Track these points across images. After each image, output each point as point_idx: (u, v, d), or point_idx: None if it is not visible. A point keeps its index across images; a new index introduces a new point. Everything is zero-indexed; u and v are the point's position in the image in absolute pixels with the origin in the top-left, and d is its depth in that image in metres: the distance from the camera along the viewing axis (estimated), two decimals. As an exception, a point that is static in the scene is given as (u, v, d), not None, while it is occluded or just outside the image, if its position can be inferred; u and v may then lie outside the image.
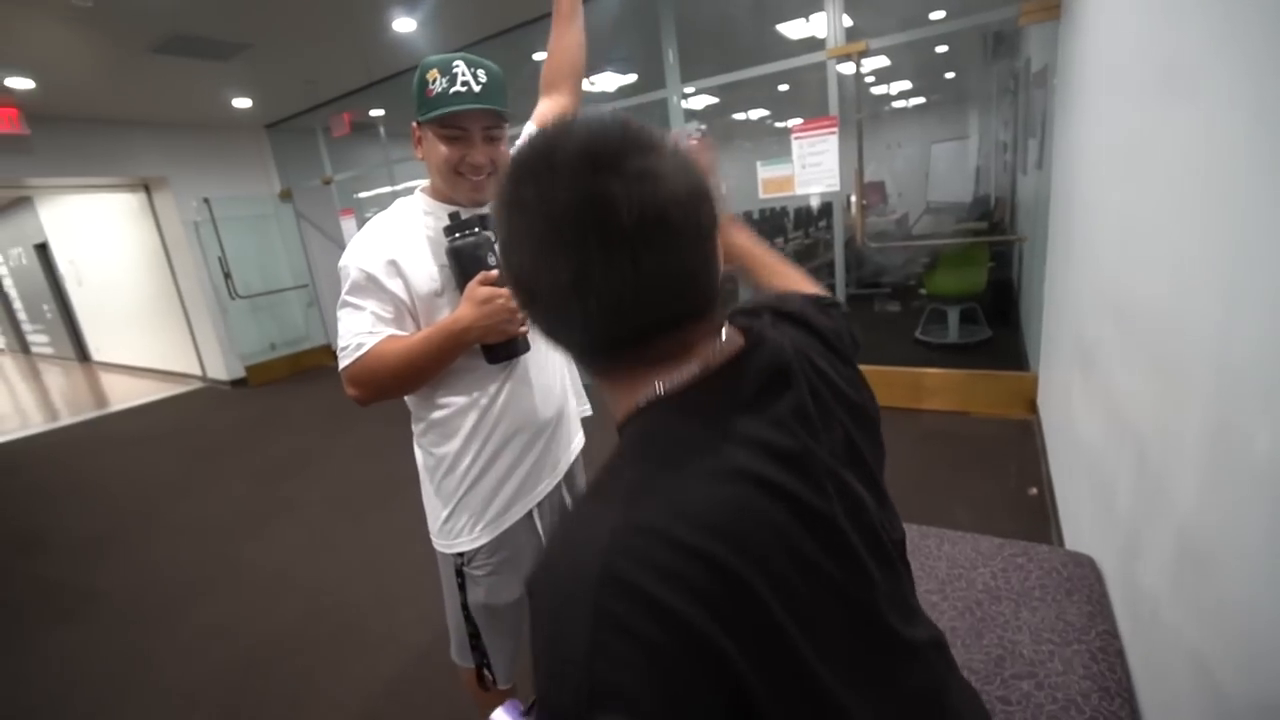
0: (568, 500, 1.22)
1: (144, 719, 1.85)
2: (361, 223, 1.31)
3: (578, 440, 1.25)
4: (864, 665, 0.46)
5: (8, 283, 10.87)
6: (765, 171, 3.43)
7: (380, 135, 5.51)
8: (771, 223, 7.25)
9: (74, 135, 4.92)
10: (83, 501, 3.67)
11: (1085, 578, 1.19)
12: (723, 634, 0.38)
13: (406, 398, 1.09)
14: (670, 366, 0.47)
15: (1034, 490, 2.34)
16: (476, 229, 0.99)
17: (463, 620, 1.16)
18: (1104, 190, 1.49)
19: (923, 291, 4.46)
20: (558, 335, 0.47)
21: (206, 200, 5.71)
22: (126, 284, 7.15)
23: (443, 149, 0.98)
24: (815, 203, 7.06)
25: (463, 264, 0.98)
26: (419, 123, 1.00)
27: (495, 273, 0.98)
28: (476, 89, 0.96)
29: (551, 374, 1.15)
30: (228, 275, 5.87)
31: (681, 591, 0.38)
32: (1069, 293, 2.07)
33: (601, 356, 0.48)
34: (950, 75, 8.09)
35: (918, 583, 1.25)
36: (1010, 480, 2.45)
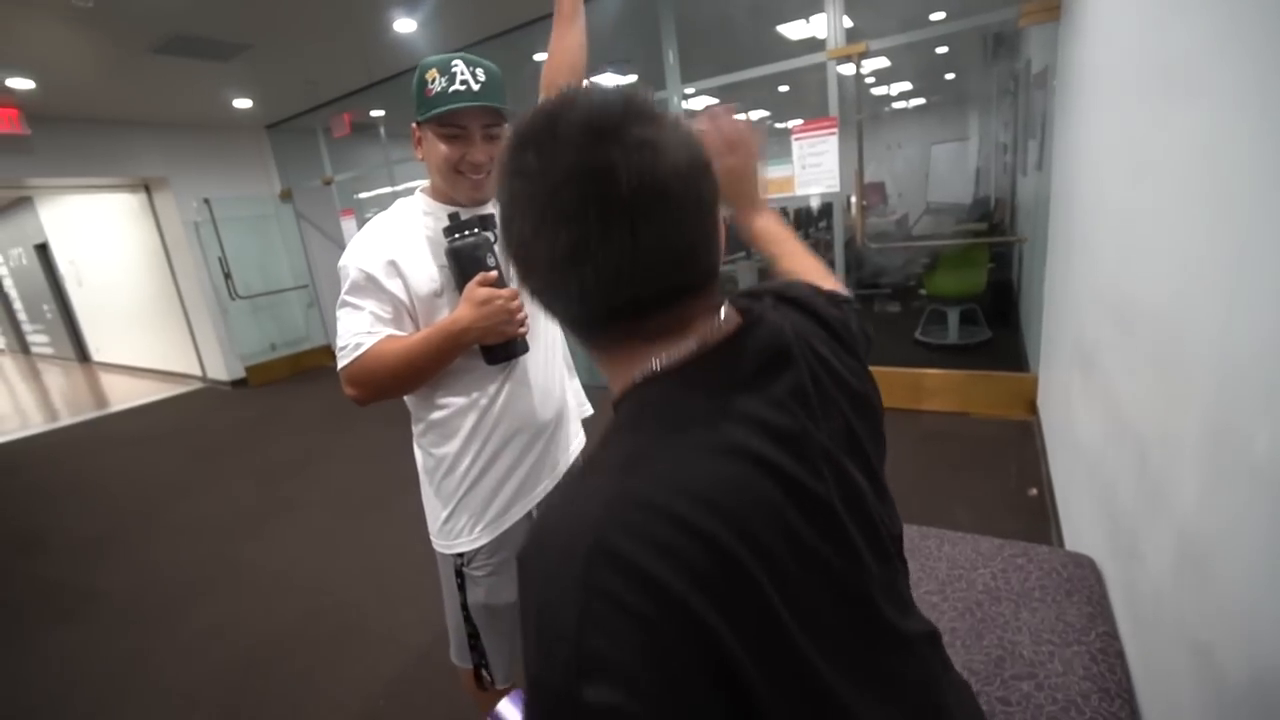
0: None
1: (144, 719, 1.85)
2: (362, 223, 1.31)
3: (578, 441, 1.25)
4: (857, 655, 0.46)
5: (8, 283, 10.87)
6: (765, 172, 3.43)
7: (381, 136, 5.51)
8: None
9: (74, 135, 4.92)
10: (83, 501, 3.67)
11: (1085, 578, 1.19)
12: (717, 615, 0.37)
13: (406, 398, 1.09)
14: (668, 342, 0.47)
15: (1034, 491, 2.34)
16: (476, 230, 0.99)
17: (462, 621, 1.16)
18: (1104, 191, 1.49)
19: (923, 292, 4.46)
20: (555, 307, 0.47)
21: (207, 200, 5.71)
22: (127, 284, 7.15)
23: (442, 148, 0.98)
24: (815, 203, 7.05)
25: (462, 265, 0.98)
26: (418, 123, 1.00)
27: (494, 274, 0.99)
28: (476, 87, 0.96)
29: (551, 375, 1.15)
30: (228, 275, 5.87)
31: (677, 568, 0.37)
32: (1069, 293, 2.07)
33: (599, 329, 0.48)
34: (950, 76, 8.09)
35: (918, 584, 1.25)
36: (1010, 481, 2.45)
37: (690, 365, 0.46)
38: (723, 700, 0.37)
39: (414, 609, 2.14)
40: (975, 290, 4.06)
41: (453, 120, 0.97)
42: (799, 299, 0.60)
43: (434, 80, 0.95)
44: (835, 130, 3.12)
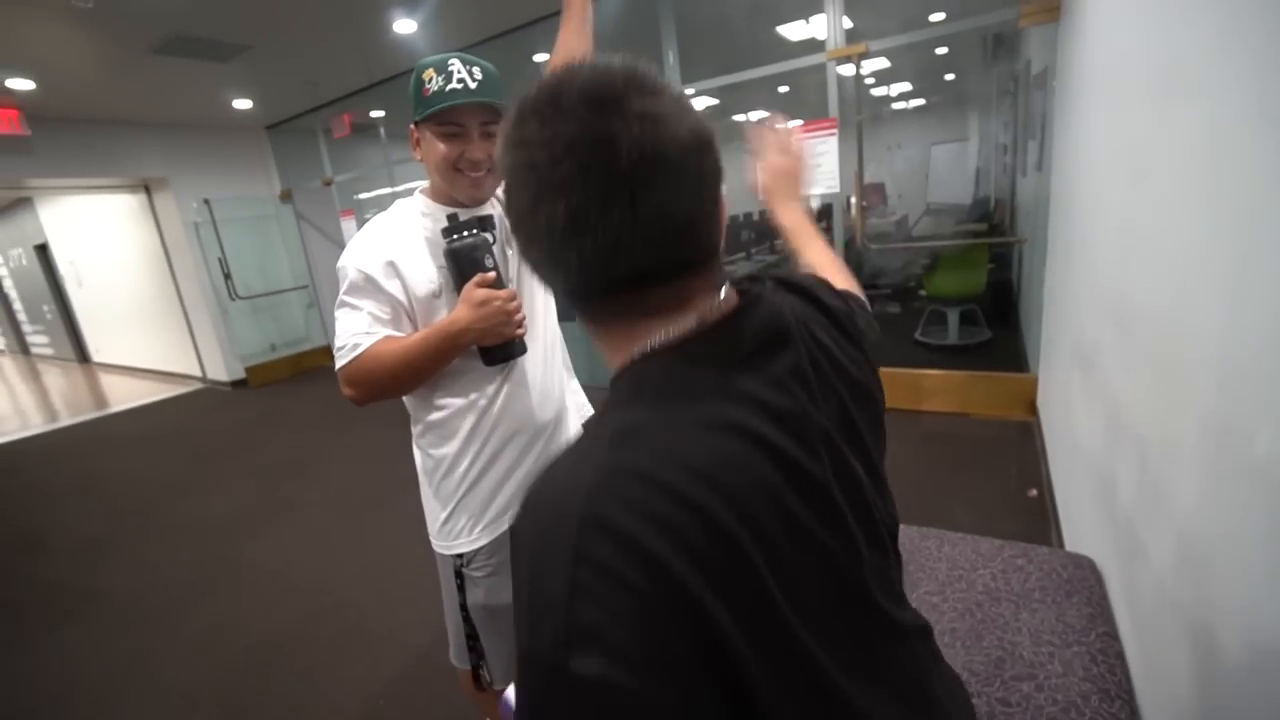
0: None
1: (144, 719, 1.85)
2: (361, 224, 1.31)
3: (577, 441, 1.25)
4: (850, 641, 0.46)
5: (8, 283, 10.87)
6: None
7: (380, 136, 5.51)
8: (771, 224, 7.24)
9: (74, 136, 4.92)
10: (82, 502, 3.67)
11: (1085, 579, 1.18)
12: (714, 596, 0.37)
13: (405, 399, 1.09)
14: (667, 319, 0.46)
15: (1034, 492, 2.34)
16: (474, 231, 0.99)
17: (461, 621, 1.15)
18: (1104, 192, 1.49)
19: (922, 293, 4.46)
20: (554, 279, 0.47)
21: (207, 201, 5.72)
22: (127, 285, 7.15)
23: (441, 146, 0.98)
24: (815, 204, 7.06)
25: (460, 265, 0.98)
26: (417, 123, 1.00)
27: (493, 275, 0.99)
28: (473, 85, 0.96)
29: (550, 376, 1.15)
30: (228, 276, 5.87)
31: (676, 546, 0.37)
32: (1069, 294, 2.07)
33: (597, 302, 0.48)
34: (950, 77, 8.09)
35: (918, 584, 1.25)
36: (1010, 482, 2.45)
37: (690, 342, 0.46)
38: (713, 681, 0.37)
39: (414, 609, 2.14)
40: (975, 291, 4.06)
41: (450, 118, 0.97)
42: (801, 285, 0.60)
43: (431, 80, 0.96)
44: (835, 131, 3.12)
